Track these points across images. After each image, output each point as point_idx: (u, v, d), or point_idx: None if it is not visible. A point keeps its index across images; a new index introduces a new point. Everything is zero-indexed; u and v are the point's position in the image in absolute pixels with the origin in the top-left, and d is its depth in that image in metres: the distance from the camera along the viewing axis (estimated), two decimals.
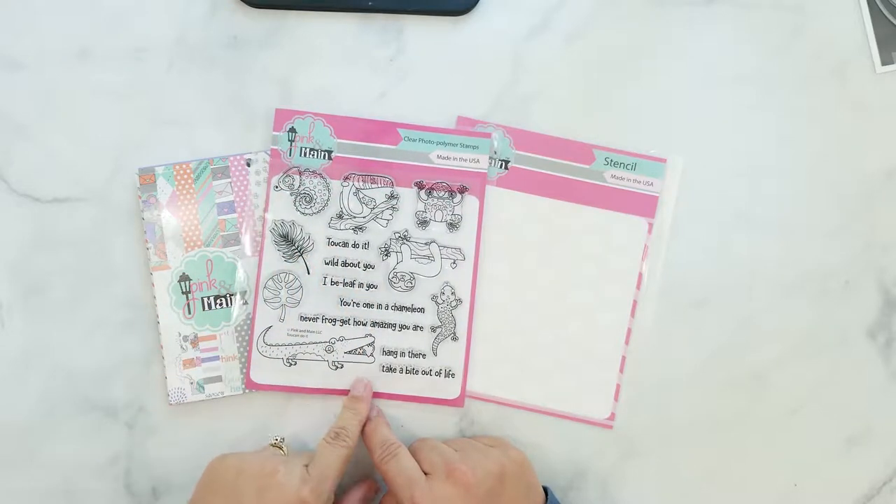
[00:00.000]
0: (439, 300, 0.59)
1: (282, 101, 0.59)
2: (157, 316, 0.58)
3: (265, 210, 0.58)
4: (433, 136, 0.59)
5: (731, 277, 0.60)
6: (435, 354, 0.59)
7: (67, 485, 0.59)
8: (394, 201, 0.59)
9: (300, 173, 0.58)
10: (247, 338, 0.58)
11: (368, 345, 0.59)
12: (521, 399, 0.59)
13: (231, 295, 0.58)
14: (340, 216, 0.59)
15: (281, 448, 0.56)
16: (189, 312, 0.58)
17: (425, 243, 0.59)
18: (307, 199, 0.58)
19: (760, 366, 0.60)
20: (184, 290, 0.58)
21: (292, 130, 0.58)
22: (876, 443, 0.60)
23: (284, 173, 0.58)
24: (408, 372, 0.59)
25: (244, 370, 0.58)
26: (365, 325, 0.59)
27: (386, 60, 0.60)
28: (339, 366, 0.59)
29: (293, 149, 0.59)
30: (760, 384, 0.60)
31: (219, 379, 0.58)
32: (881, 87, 0.60)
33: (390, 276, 0.59)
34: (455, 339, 0.59)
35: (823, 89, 0.60)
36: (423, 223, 0.59)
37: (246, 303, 0.58)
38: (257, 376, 0.58)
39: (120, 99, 0.59)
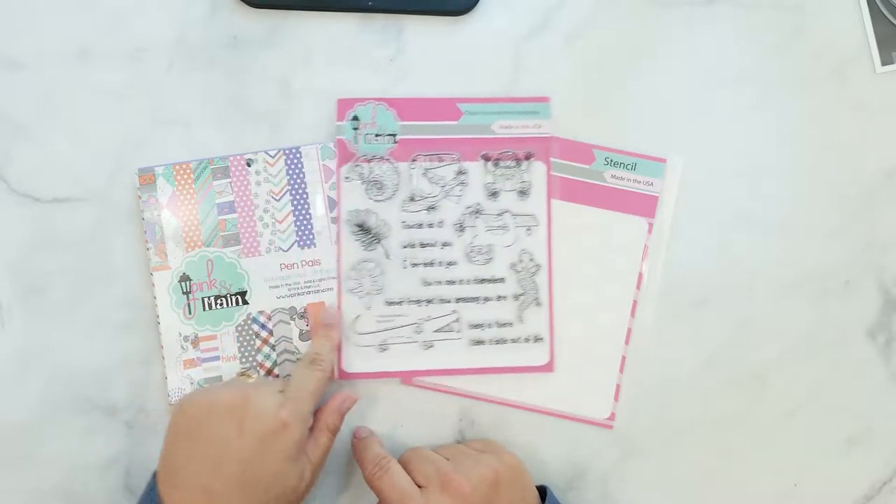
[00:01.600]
0: (518, 268, 0.59)
1: (282, 100, 0.59)
2: (158, 316, 0.58)
3: (337, 198, 0.58)
4: (492, 108, 0.59)
5: (731, 277, 0.60)
6: (521, 321, 0.59)
7: (67, 485, 0.59)
8: (462, 177, 0.59)
9: (368, 161, 0.59)
10: (247, 338, 0.58)
11: (455, 321, 0.59)
12: (521, 399, 0.59)
13: (232, 295, 0.58)
14: (412, 198, 0.59)
15: (249, 376, 0.55)
16: (189, 313, 0.58)
17: (498, 214, 0.59)
18: (378, 186, 0.59)
19: (760, 366, 0.60)
20: (184, 291, 0.58)
21: (355, 118, 0.58)
22: (876, 443, 0.60)
23: (353, 163, 0.58)
24: (497, 342, 0.59)
25: (245, 370, 0.58)
26: (449, 301, 0.59)
27: (386, 60, 0.60)
28: (430, 345, 0.59)
29: (358, 136, 0.59)
30: (760, 384, 0.60)
31: (219, 379, 0.58)
32: (881, 87, 0.60)
33: (468, 251, 0.59)
34: (539, 304, 0.59)
35: (823, 89, 0.60)
36: (494, 194, 0.59)
37: (248, 303, 0.58)
38: (350, 366, 0.58)
39: (120, 99, 0.59)
